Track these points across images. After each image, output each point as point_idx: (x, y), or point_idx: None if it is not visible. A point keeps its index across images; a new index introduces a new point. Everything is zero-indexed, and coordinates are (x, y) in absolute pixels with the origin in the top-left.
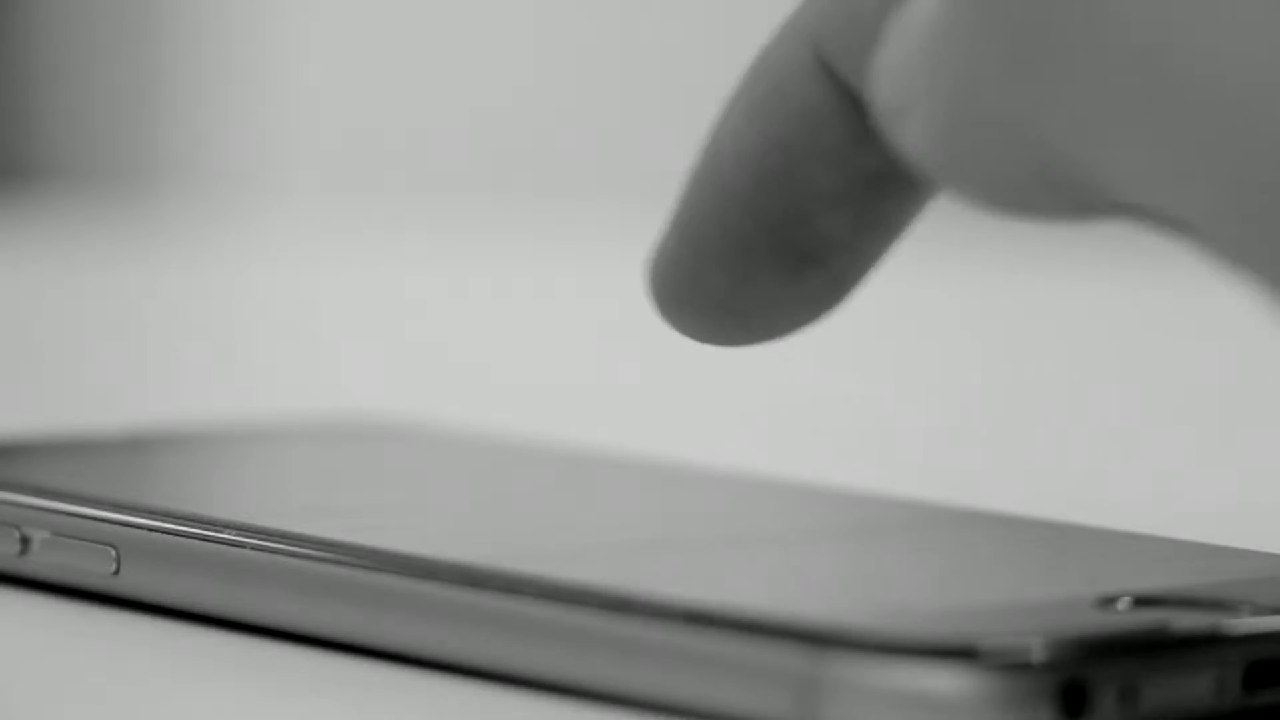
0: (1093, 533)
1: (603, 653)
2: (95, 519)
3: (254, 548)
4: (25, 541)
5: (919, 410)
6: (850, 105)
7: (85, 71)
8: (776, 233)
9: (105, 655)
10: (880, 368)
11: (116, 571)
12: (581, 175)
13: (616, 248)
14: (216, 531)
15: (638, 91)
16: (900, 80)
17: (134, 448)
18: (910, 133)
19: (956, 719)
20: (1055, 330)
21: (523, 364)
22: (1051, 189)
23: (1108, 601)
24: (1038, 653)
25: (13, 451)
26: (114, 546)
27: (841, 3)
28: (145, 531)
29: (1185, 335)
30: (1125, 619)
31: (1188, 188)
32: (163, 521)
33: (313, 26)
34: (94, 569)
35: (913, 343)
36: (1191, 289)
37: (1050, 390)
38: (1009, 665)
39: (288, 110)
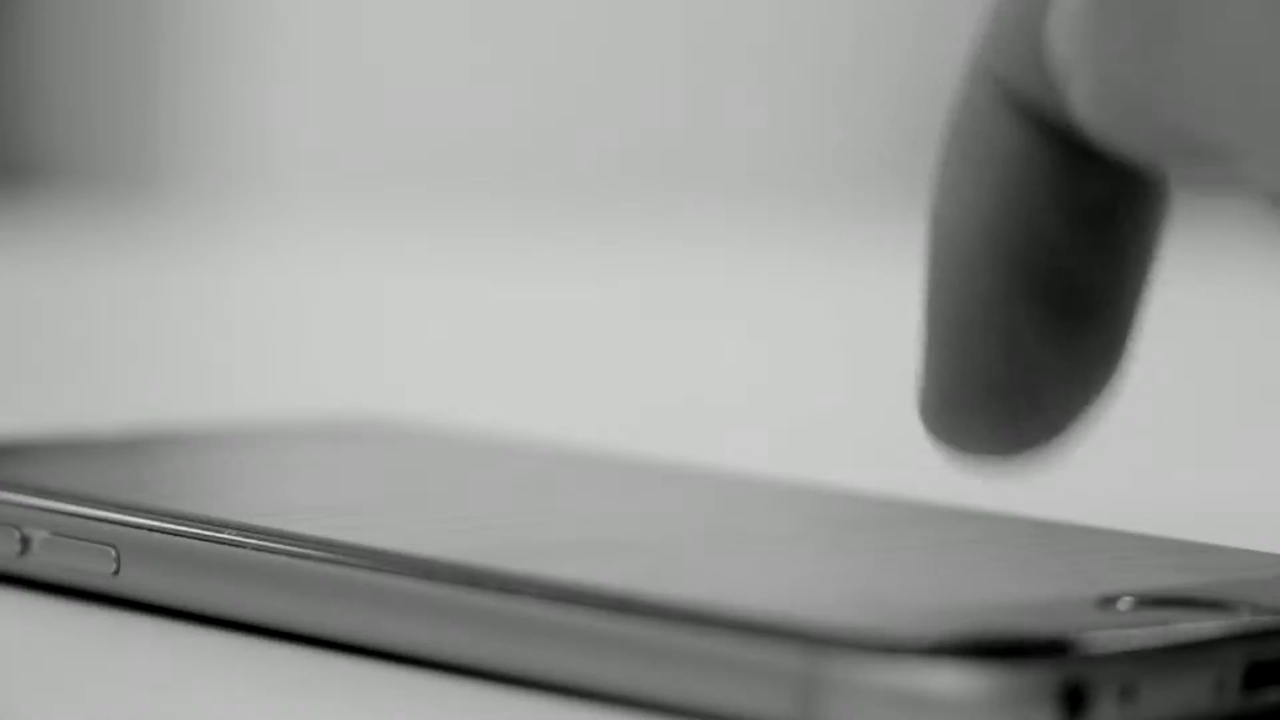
0: (1093, 533)
1: (602, 652)
2: (95, 519)
3: (254, 548)
4: (25, 541)
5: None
6: (1051, 135)
7: (85, 71)
8: (1031, 280)
9: (105, 655)
10: (881, 367)
11: (116, 571)
12: (581, 175)
13: (616, 247)
14: (216, 531)
15: (637, 92)
16: (1063, 43)
17: (134, 448)
18: (1076, 94)
19: (956, 719)
20: None
21: (523, 364)
22: (1192, 158)
23: (1108, 601)
24: (1038, 653)
25: (13, 451)
26: (114, 546)
27: (1017, 33)
28: (145, 531)
29: (1186, 335)
30: (1125, 619)
31: None
32: (163, 521)
33: (313, 27)
34: (94, 569)
35: (913, 342)
36: (1192, 288)
37: None
38: (1009, 665)
39: (287, 110)
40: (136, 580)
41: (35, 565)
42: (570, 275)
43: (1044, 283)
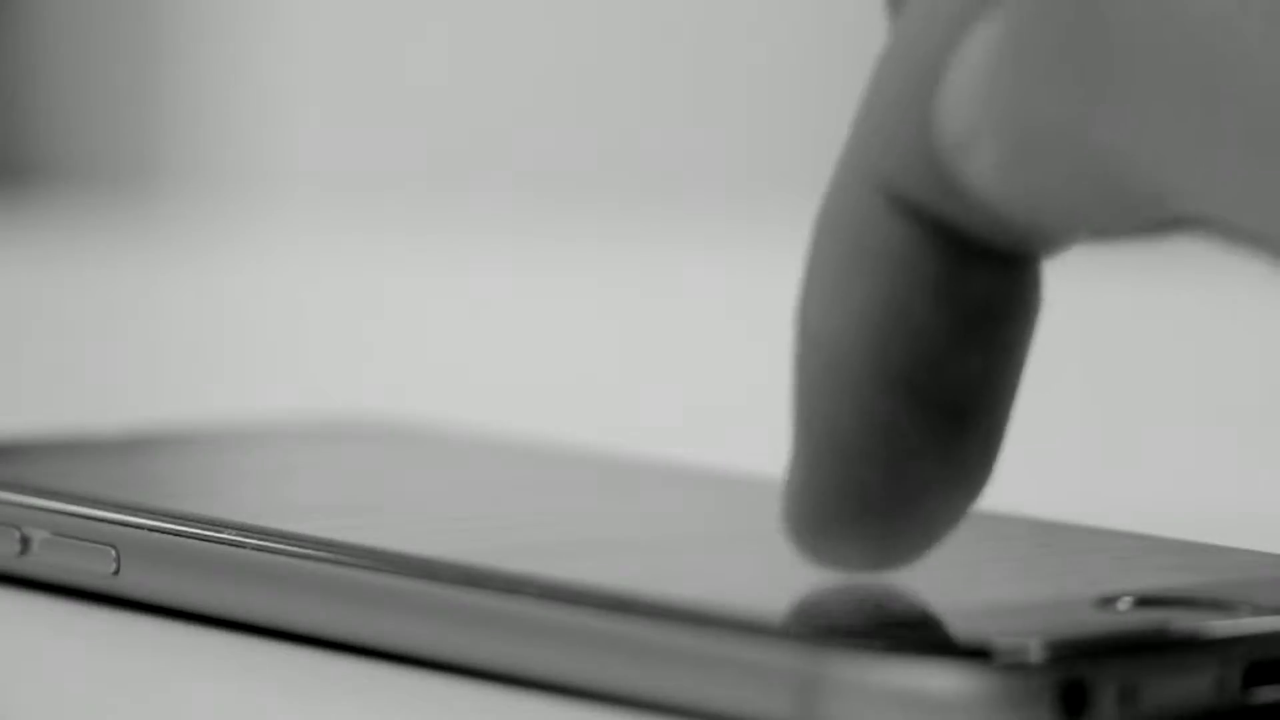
0: (1093, 533)
1: (603, 652)
2: (95, 519)
3: (254, 548)
4: (25, 541)
5: None
6: (935, 236)
7: (85, 71)
8: (911, 389)
9: (105, 655)
10: None
11: (116, 571)
12: (581, 175)
13: (616, 247)
14: (216, 531)
15: (636, 92)
16: (962, 113)
17: (134, 448)
18: (976, 164)
19: (956, 719)
20: (1056, 330)
21: (523, 363)
22: (1120, 206)
23: (1108, 601)
24: (1038, 653)
25: (13, 451)
26: (114, 546)
27: (896, 132)
28: (145, 531)
29: (1186, 335)
30: (1125, 619)
31: (1257, 197)
32: (163, 521)
33: (312, 27)
34: (94, 569)
35: None
36: (1193, 288)
37: (1050, 389)
38: (1009, 665)
39: (287, 111)
40: (136, 580)
41: (35, 565)
42: (570, 275)
43: (929, 391)
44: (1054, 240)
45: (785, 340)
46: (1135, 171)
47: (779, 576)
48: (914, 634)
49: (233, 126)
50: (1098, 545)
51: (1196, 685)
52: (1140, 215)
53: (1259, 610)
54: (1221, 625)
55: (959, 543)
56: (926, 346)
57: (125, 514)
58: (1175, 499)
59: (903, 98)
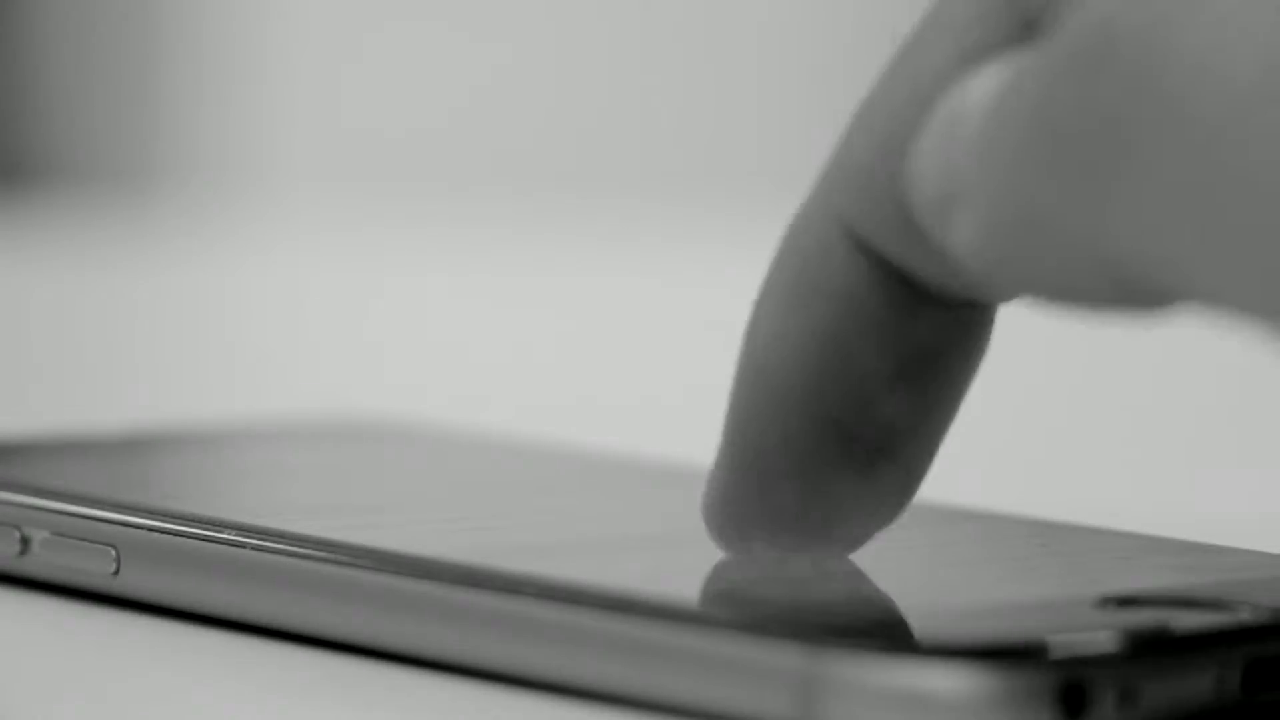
0: (1093, 533)
1: (603, 652)
2: (95, 519)
3: (254, 548)
4: (25, 541)
5: None
6: (889, 278)
7: (85, 71)
8: (840, 428)
9: (105, 655)
10: None
11: (116, 571)
12: (581, 175)
13: (616, 247)
14: (216, 531)
15: (634, 92)
16: (947, 168)
17: (134, 448)
18: (957, 224)
19: (956, 719)
20: (1056, 330)
21: (522, 363)
22: (1110, 283)
23: (1108, 601)
24: (1038, 653)
25: (13, 451)
26: (114, 546)
27: (864, 175)
28: (145, 531)
29: (1186, 335)
30: (1125, 619)
31: (1256, 282)
32: (163, 521)
33: (311, 26)
34: (94, 569)
35: None
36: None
37: (1051, 390)
38: (1009, 665)
39: (286, 110)
40: (136, 580)
41: (35, 565)
42: (570, 275)
43: (856, 428)
44: (1019, 295)
45: None
46: (1141, 265)
47: (779, 577)
48: (914, 634)
49: (232, 126)
50: (1098, 545)
51: (1196, 685)
52: (1131, 295)
53: (1259, 610)
54: (1221, 625)
55: (959, 542)
56: (861, 388)
57: (125, 514)
58: (1175, 499)
59: (878, 142)
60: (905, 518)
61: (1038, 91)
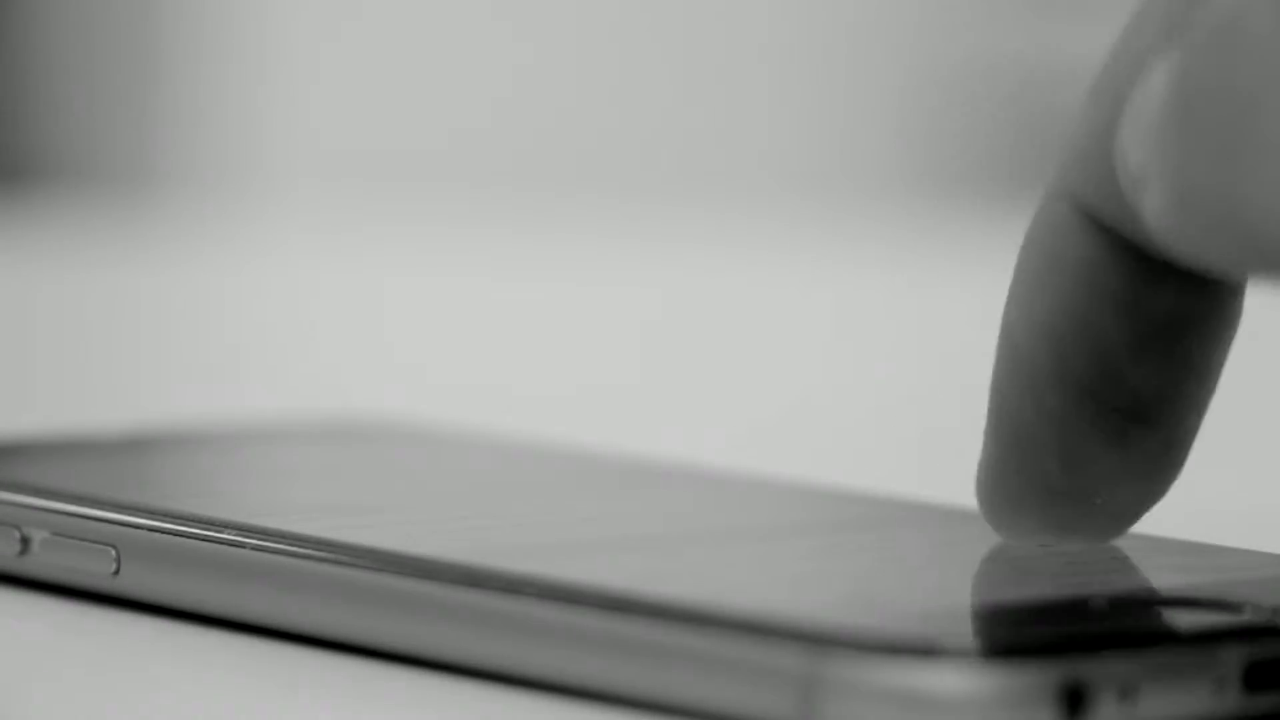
0: None
1: (603, 653)
2: (95, 519)
3: (254, 548)
4: (25, 541)
5: (919, 409)
6: (1126, 250)
7: (85, 71)
8: (1096, 399)
9: (105, 655)
10: (880, 366)
11: (116, 571)
12: (581, 175)
13: (616, 248)
14: (216, 531)
15: (633, 94)
16: (1136, 151)
17: (134, 448)
18: (1148, 202)
19: (956, 719)
20: None
21: (522, 363)
22: (1258, 254)
23: (1108, 601)
24: (1038, 653)
25: (13, 451)
26: (114, 546)
27: (1092, 150)
28: (145, 531)
29: None
30: (1125, 619)
31: None
32: (163, 521)
33: (312, 27)
34: (94, 569)
35: (913, 341)
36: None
37: None
38: (1009, 665)
39: (286, 110)
40: (136, 580)
41: (35, 565)
42: (570, 275)
43: (1107, 397)
44: (1228, 276)
45: (786, 341)
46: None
47: (779, 576)
48: (914, 634)
49: (232, 126)
50: (1097, 545)
51: (1196, 685)
52: None
53: (1259, 610)
54: (1221, 625)
55: (959, 542)
56: (1105, 355)
57: (125, 514)
58: (1175, 499)
59: (1097, 121)
60: (907, 517)
61: (1199, 65)
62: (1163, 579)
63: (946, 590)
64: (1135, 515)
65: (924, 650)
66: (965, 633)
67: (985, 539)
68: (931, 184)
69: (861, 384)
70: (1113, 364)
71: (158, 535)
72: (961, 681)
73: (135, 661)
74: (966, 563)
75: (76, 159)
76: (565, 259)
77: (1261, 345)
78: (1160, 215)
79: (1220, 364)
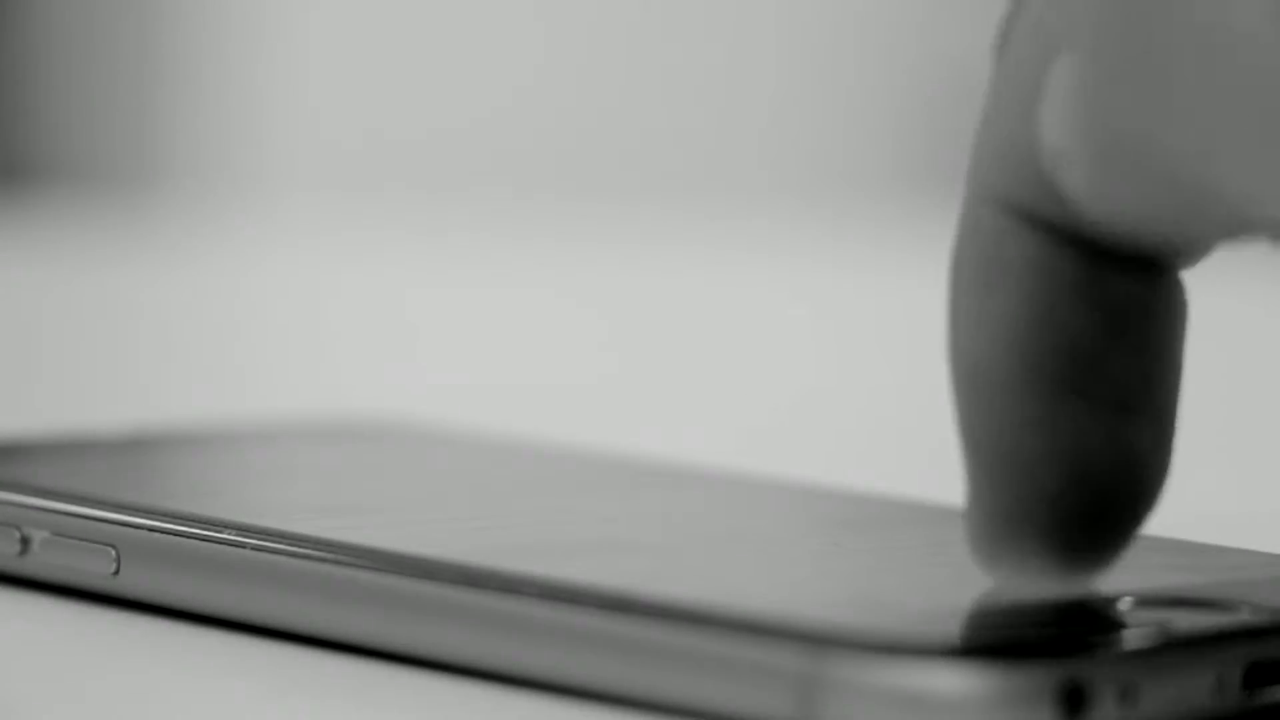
0: None
1: (603, 653)
2: (95, 519)
3: (254, 548)
4: (25, 541)
5: (919, 408)
6: (1070, 241)
7: (85, 71)
8: (1080, 395)
9: (105, 655)
10: (879, 366)
11: (116, 571)
12: (581, 176)
13: (616, 248)
14: (216, 531)
15: (636, 94)
16: (1055, 128)
17: (134, 448)
18: (1071, 178)
19: (956, 719)
20: None
21: (522, 363)
22: (1199, 214)
23: (1108, 601)
24: (1038, 653)
25: (13, 451)
26: (114, 546)
27: (1008, 149)
28: (145, 531)
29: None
30: (1125, 619)
31: None
32: (163, 521)
33: (312, 27)
34: (94, 569)
35: (913, 341)
36: (1194, 288)
37: None
38: (1009, 665)
39: (287, 111)
40: (136, 580)
41: (35, 565)
42: (571, 275)
43: (1091, 390)
44: (1168, 252)
45: (786, 341)
46: (1206, 179)
47: (779, 576)
48: (914, 634)
49: (233, 127)
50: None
51: (1196, 685)
52: (1220, 222)
53: (1259, 610)
54: (1221, 625)
55: (959, 542)
56: (1078, 347)
57: (125, 514)
58: (1175, 499)
59: (1011, 115)
60: (904, 518)
61: (1108, 29)
62: (1163, 579)
63: (946, 590)
64: (1136, 524)
65: (924, 650)
66: (965, 633)
67: None
68: (925, 183)
69: (861, 384)
70: (1088, 354)
71: (158, 535)
72: (961, 681)
73: (135, 662)
74: (966, 563)
75: (77, 159)
76: (565, 259)
77: (1261, 345)
78: (1084, 185)
79: (1181, 354)
